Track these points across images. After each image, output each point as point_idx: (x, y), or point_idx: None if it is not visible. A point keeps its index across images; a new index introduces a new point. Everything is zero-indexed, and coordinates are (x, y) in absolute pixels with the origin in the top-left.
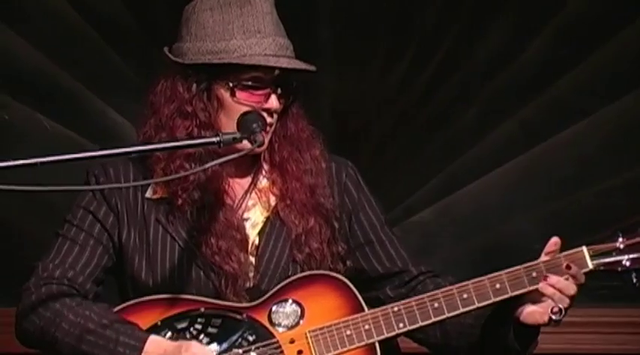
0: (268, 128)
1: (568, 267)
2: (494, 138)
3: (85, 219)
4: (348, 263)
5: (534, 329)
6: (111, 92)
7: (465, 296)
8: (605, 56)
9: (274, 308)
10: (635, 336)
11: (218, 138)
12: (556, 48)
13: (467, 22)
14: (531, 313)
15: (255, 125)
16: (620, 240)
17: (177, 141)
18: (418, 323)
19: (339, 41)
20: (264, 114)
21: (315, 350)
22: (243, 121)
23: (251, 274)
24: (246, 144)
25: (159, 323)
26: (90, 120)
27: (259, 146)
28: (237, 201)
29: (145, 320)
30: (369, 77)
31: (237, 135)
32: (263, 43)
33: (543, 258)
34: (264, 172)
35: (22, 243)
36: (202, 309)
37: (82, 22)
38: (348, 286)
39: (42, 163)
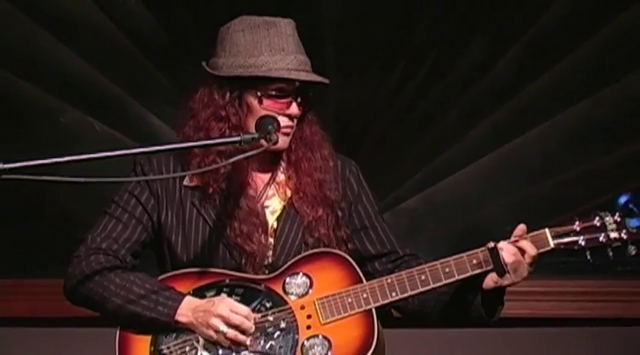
0: (289, 130)
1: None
2: (471, 137)
3: (129, 202)
4: (350, 246)
5: (498, 296)
6: (149, 99)
7: (447, 270)
8: (565, 68)
9: (287, 279)
10: (588, 303)
11: (240, 138)
12: (524, 61)
13: (449, 40)
14: (489, 278)
15: (270, 127)
16: (577, 223)
17: (210, 140)
18: (408, 292)
19: (342, 57)
20: (286, 119)
21: (321, 315)
22: (261, 124)
23: (269, 252)
24: (263, 142)
25: (191, 292)
26: (132, 123)
27: (274, 144)
28: (258, 192)
29: (179, 290)
30: (366, 87)
31: (255, 135)
32: (286, 59)
33: (512, 239)
34: (281, 169)
35: (72, 222)
36: (227, 280)
37: (126, 41)
38: (350, 262)
39: (93, 159)
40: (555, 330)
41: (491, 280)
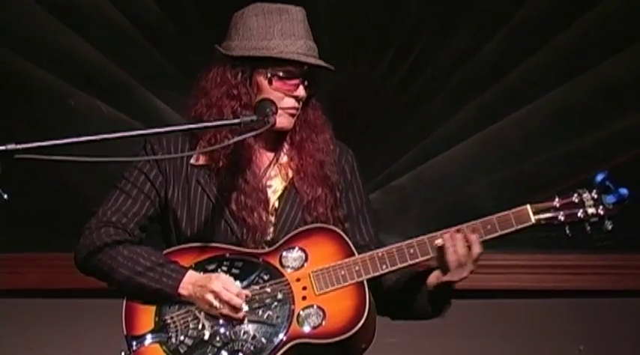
0: (295, 111)
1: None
2: (457, 119)
3: (138, 178)
4: (346, 225)
5: (446, 292)
6: (154, 84)
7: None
8: (545, 55)
9: (284, 253)
10: (566, 276)
11: (239, 120)
12: (506, 48)
13: (436, 28)
14: (433, 275)
15: (268, 109)
16: (557, 200)
17: (223, 119)
18: (397, 265)
19: (336, 44)
20: (293, 100)
21: (316, 287)
22: (260, 107)
23: (270, 229)
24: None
25: (193, 265)
26: (138, 106)
27: (272, 126)
28: (262, 171)
29: (182, 263)
30: (359, 72)
31: (254, 118)
32: (296, 44)
33: (495, 215)
34: (285, 150)
35: (82, 198)
36: (227, 254)
37: (133, 29)
38: (343, 237)
39: (101, 139)
40: (536, 301)
41: (435, 277)
